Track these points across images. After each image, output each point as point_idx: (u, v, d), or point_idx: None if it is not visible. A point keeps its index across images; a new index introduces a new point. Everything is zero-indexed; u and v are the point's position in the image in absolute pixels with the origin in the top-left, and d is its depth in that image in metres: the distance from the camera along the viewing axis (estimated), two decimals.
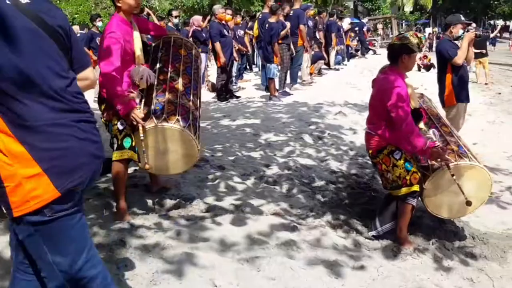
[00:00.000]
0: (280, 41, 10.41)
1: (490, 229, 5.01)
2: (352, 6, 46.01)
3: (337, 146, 7.17)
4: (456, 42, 6.47)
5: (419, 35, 4.34)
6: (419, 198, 4.28)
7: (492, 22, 56.53)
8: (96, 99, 4.99)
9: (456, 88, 6.37)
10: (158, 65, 4.47)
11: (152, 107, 4.15)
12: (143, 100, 4.20)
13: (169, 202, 4.49)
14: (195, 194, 4.70)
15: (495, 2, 52.40)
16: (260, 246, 3.77)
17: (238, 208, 4.52)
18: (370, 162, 6.48)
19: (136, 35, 4.19)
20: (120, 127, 4.01)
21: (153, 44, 4.73)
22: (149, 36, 5.09)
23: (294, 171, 5.87)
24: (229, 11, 10.64)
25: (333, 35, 15.09)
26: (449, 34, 6.57)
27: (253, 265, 3.46)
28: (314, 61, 13.51)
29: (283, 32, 10.52)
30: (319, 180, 5.71)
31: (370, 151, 4.40)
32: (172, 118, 4.05)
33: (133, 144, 4.02)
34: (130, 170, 5.08)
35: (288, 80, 11.63)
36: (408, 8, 47.66)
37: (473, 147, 4.92)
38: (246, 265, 3.45)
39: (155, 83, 4.29)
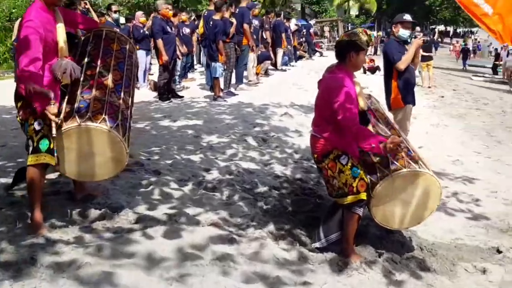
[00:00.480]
0: (227, 40, 10.05)
1: (438, 238, 4.81)
2: (299, 8, 46.12)
3: (282, 149, 6.86)
4: (404, 45, 6.30)
5: (368, 32, 4.06)
6: (366, 207, 4.01)
7: (433, 27, 58.13)
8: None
9: (402, 91, 6.19)
10: (86, 59, 4.03)
11: (76, 104, 3.70)
12: (66, 97, 3.75)
13: (93, 212, 4.02)
14: (124, 203, 4.27)
15: (437, 8, 53.87)
16: (193, 262, 3.40)
17: (172, 218, 4.12)
18: (315, 166, 6.26)
19: (60, 25, 3.75)
20: (37, 128, 3.56)
21: (83, 38, 4.29)
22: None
23: (236, 175, 5.53)
24: (169, 7, 10.11)
25: (282, 35, 14.84)
26: (393, 34, 6.43)
27: (183, 284, 3.08)
28: (260, 61, 13.20)
29: (231, 30, 10.17)
30: (262, 185, 5.38)
31: (315, 156, 4.09)
32: (98, 117, 3.63)
33: (52, 146, 3.56)
34: (53, 175, 4.62)
35: (233, 80, 11.29)
36: (353, 11, 48.26)
37: (419, 151, 4.75)
38: (175, 285, 3.07)
39: (81, 78, 3.86)
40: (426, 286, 3.67)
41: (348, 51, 3.91)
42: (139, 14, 12.21)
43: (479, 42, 46.57)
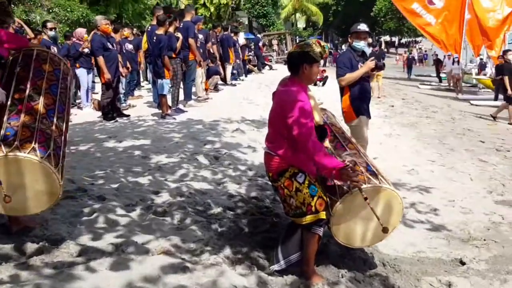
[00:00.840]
0: (174, 55, 9.73)
1: (400, 253, 4.68)
2: (246, 22, 46.21)
3: (235, 166, 6.60)
4: (362, 56, 6.22)
5: (322, 43, 3.85)
6: (327, 227, 3.80)
7: (378, 37, 59.42)
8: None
9: (353, 103, 6.06)
10: (14, 82, 3.68)
11: (2, 132, 3.34)
12: None
13: (30, 246, 3.60)
14: (65, 234, 3.89)
15: (382, 19, 55.15)
16: None
17: (118, 248, 3.78)
18: (269, 184, 6.03)
19: None
20: None
21: (11, 58, 3.94)
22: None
23: (187, 197, 5.22)
24: (109, 22, 9.63)
25: (230, 49, 14.63)
26: (350, 45, 6.31)
27: None
28: (208, 76, 12.95)
29: (178, 45, 9.87)
30: (216, 206, 5.09)
31: (271, 174, 3.85)
32: (27, 146, 3.28)
33: None
34: None
35: (181, 97, 10.97)
36: (301, 24, 48.85)
37: (376, 163, 4.62)
38: None
39: (8, 103, 3.51)
40: None
41: (301, 63, 3.70)
42: (79, 31, 11.75)
43: (425, 51, 47.75)
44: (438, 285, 3.94)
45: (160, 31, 9.29)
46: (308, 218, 3.63)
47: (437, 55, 31.69)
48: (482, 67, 24.35)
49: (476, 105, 17.45)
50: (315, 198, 3.62)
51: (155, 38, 9.30)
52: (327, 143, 4.02)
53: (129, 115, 10.03)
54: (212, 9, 21.04)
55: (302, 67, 3.69)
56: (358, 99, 6.07)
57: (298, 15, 46.98)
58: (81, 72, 11.16)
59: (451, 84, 23.26)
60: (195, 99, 11.66)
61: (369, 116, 6.26)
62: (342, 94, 6.17)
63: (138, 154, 6.76)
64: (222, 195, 5.50)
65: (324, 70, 19.01)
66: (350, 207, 3.70)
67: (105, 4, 24.23)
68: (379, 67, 6.26)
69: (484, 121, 13.23)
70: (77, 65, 11.07)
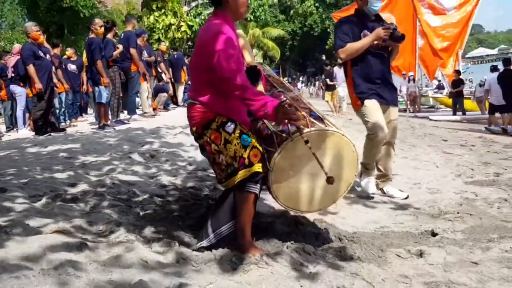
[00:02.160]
0: (110, 63, 8.97)
1: (360, 229, 3.91)
2: None
3: (173, 162, 5.81)
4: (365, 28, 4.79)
5: None
6: (266, 187, 3.06)
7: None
8: None
9: (359, 84, 4.77)
10: None
11: None
12: None
13: None
14: None
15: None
16: (13, 274, 2.26)
17: (1, 229, 2.93)
18: (212, 175, 5.24)
19: None
20: None
21: None
22: None
23: (109, 188, 4.41)
24: (38, 28, 8.80)
25: (183, 69, 13.91)
26: (358, 6, 4.90)
27: None
28: (154, 94, 12.15)
29: (115, 53, 9.13)
30: (143, 194, 4.29)
31: (194, 128, 3.09)
32: None
33: None
34: None
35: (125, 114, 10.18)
36: (258, 59, 48.88)
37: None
38: None
39: None
40: (350, 276, 2.70)
41: None
42: (18, 46, 10.89)
43: None
44: (406, 255, 3.18)
45: (92, 35, 8.55)
46: (241, 174, 2.89)
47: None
48: (440, 88, 24.34)
49: (435, 120, 17.12)
50: (248, 149, 2.89)
51: (88, 43, 8.54)
52: (260, 87, 3.31)
53: (64, 130, 9.13)
54: (167, 43, 20.48)
55: None
56: (364, 79, 4.77)
57: (255, 50, 46.94)
58: (22, 92, 10.16)
59: (409, 105, 23.05)
60: (140, 114, 10.83)
61: (384, 101, 4.82)
62: (346, 77, 5.06)
63: (62, 155, 5.90)
64: (153, 186, 4.70)
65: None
66: (292, 159, 2.98)
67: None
68: (396, 37, 4.64)
69: (444, 129, 12.78)
70: (21, 83, 10.09)
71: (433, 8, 21.37)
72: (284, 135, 2.99)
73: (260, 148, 2.94)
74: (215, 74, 2.87)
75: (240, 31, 3.29)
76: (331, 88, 17.58)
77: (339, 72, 16.55)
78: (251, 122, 3.18)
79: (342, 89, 16.34)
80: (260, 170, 2.88)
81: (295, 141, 2.93)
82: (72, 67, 11.78)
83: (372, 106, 4.70)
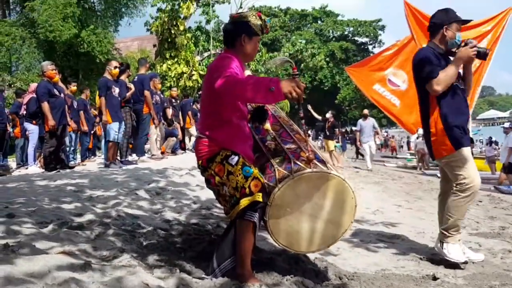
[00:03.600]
0: (123, 104, 9.18)
1: (361, 270, 3.92)
2: None
3: (178, 199, 5.87)
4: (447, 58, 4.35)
5: (262, 17, 3.34)
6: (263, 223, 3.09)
7: (344, 129, 60.16)
8: None
9: (451, 122, 4.13)
10: None
11: None
12: None
13: None
14: None
15: (346, 108, 56.25)
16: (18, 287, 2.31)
17: (7, 247, 2.99)
18: (216, 213, 5.31)
19: None
20: None
21: None
22: None
23: (114, 219, 4.46)
24: (54, 67, 9.04)
25: (188, 115, 14.14)
26: (437, 42, 4.36)
27: None
28: (164, 138, 12.30)
29: (128, 94, 9.36)
30: (147, 226, 4.34)
31: (200, 162, 3.19)
32: None
33: None
34: None
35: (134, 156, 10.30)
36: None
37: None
38: None
39: None
40: None
41: (239, 35, 3.19)
42: (34, 85, 11.15)
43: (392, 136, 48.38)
44: None
45: (106, 74, 8.79)
46: (242, 203, 2.95)
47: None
48: None
49: None
50: (249, 180, 2.97)
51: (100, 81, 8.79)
52: (268, 125, 3.40)
53: (73, 167, 9.25)
54: (178, 91, 20.89)
55: (240, 39, 3.19)
56: (456, 117, 4.15)
57: None
58: (34, 129, 10.41)
59: (419, 157, 22.85)
60: (149, 156, 10.94)
61: (469, 144, 4.29)
62: (426, 114, 4.30)
63: (70, 189, 5.97)
64: (157, 220, 4.75)
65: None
66: (291, 197, 3.03)
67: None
68: (483, 54, 4.15)
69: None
70: (34, 121, 10.35)
71: None
72: (286, 172, 3.06)
73: (262, 179, 3.01)
74: (220, 98, 2.97)
75: (248, 72, 3.43)
76: (329, 137, 17.54)
77: (365, 126, 16.58)
78: (256, 158, 3.28)
79: (367, 145, 16.31)
80: (260, 199, 2.94)
81: (295, 180, 2.99)
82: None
83: (468, 153, 4.16)
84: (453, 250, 4.09)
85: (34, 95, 10.44)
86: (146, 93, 10.09)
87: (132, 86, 9.72)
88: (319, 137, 30.39)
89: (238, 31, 3.20)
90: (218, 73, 2.88)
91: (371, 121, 16.98)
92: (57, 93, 8.79)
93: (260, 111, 3.39)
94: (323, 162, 3.22)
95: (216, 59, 3.23)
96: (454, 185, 4.12)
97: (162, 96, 12.50)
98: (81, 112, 11.99)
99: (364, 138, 16.47)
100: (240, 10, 28.77)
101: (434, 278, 3.67)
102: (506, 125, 14.18)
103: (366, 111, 17.63)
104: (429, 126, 4.23)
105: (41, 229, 3.82)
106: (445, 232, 4.15)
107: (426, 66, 4.15)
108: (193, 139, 14.38)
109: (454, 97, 4.19)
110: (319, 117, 17.79)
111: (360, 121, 17.14)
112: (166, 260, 3.33)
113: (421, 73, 4.20)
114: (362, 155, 19.58)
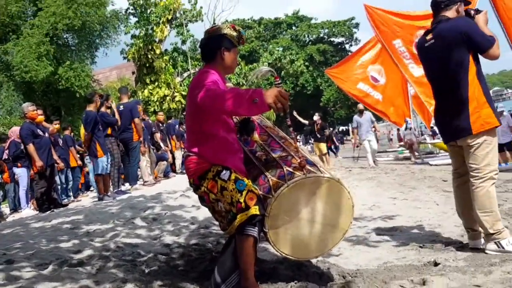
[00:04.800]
0: (110, 132, 9.20)
1: (364, 266, 3.96)
2: None
3: (176, 222, 5.87)
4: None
5: (237, 27, 3.37)
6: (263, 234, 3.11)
7: (330, 129, 60.17)
8: None
9: (488, 97, 3.95)
10: None
11: None
12: None
13: None
14: None
15: (332, 109, 56.44)
16: None
17: None
18: (215, 231, 5.32)
19: None
20: None
21: None
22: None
23: (114, 251, 4.46)
24: (35, 108, 9.04)
25: (172, 137, 14.12)
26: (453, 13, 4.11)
27: None
28: (155, 163, 12.30)
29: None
30: (147, 254, 4.35)
31: (192, 180, 3.21)
32: None
33: None
34: None
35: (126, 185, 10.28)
36: None
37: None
38: None
39: None
40: None
41: (217, 48, 3.22)
42: (15, 129, 11.13)
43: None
44: (410, 285, 3.22)
45: (90, 108, 8.80)
46: (239, 218, 2.97)
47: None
48: (435, 134, 24.50)
49: (436, 164, 17.15)
50: (244, 193, 2.99)
51: (84, 114, 8.79)
52: (256, 136, 3.43)
53: (67, 205, 9.22)
54: (164, 116, 20.92)
55: (219, 53, 3.22)
56: (488, 93, 4.00)
57: None
58: (20, 172, 10.35)
59: (407, 147, 22.88)
60: (141, 184, 10.92)
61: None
62: (462, 87, 3.91)
63: (66, 227, 5.96)
64: (157, 246, 4.76)
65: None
66: (288, 205, 3.05)
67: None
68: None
69: (445, 171, 12.83)
70: (19, 164, 10.29)
71: (415, 58, 21.82)
72: (280, 180, 3.08)
73: (256, 191, 3.04)
74: (204, 114, 2.99)
75: (230, 84, 3.47)
76: (320, 140, 17.35)
77: (362, 121, 15.69)
78: (248, 170, 3.29)
79: (366, 141, 15.47)
80: (257, 212, 2.95)
81: (290, 188, 3.01)
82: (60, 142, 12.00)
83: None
84: (506, 243, 3.84)
85: (13, 139, 10.48)
86: (137, 120, 10.08)
87: (117, 116, 9.69)
88: (310, 142, 30.41)
89: (216, 44, 3.23)
90: (199, 89, 2.90)
91: (367, 116, 16.06)
92: (41, 133, 8.79)
93: (246, 123, 3.40)
94: (315, 166, 3.24)
95: (196, 74, 3.25)
96: (475, 172, 3.88)
97: (148, 121, 12.53)
98: (72, 148, 11.99)
99: (363, 134, 15.57)
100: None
101: (436, 264, 3.71)
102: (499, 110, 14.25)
103: (361, 106, 16.74)
104: (468, 99, 3.86)
105: (41, 271, 3.81)
106: (493, 231, 3.86)
107: (478, 33, 3.87)
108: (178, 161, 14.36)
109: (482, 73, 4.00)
110: (306, 122, 17.52)
111: (356, 117, 16.20)
112: (169, 284, 3.35)
113: (476, 42, 3.84)
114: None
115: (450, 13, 4.07)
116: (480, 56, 3.95)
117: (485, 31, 3.89)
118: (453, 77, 3.94)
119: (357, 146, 18.12)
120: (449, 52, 3.93)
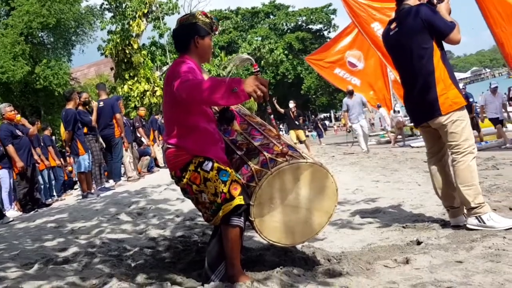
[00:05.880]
0: (85, 130, 9.13)
1: (348, 249, 4.01)
2: None
3: (161, 216, 5.88)
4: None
5: (209, 14, 3.32)
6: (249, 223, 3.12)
7: (313, 116, 60.33)
8: None
9: (453, 79, 4.09)
10: None
11: None
12: None
13: None
14: None
15: (313, 96, 56.53)
16: None
17: None
18: (200, 222, 5.33)
19: None
20: None
21: None
22: None
23: (99, 247, 4.45)
24: (12, 108, 8.93)
25: (153, 131, 14.06)
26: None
27: None
28: (138, 158, 12.27)
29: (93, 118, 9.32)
30: (133, 248, 4.35)
31: (173, 172, 3.18)
32: None
33: None
34: None
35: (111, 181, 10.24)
36: None
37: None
38: None
39: None
40: None
41: (191, 37, 3.15)
42: None
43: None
44: (394, 264, 3.28)
45: (69, 106, 8.74)
46: (224, 209, 2.96)
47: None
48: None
49: (417, 146, 17.29)
50: (228, 184, 2.96)
51: (63, 113, 8.71)
52: (236, 125, 3.42)
53: (50, 204, 9.17)
54: (145, 111, 20.79)
55: (194, 41, 3.15)
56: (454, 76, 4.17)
57: None
58: (3, 173, 10.20)
59: (396, 130, 22.51)
60: (125, 179, 10.89)
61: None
62: (428, 71, 4.02)
63: (50, 226, 5.94)
64: (143, 240, 4.76)
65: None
66: (273, 192, 3.04)
67: None
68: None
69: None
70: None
71: None
72: (263, 169, 3.09)
73: (240, 181, 3.03)
74: (181, 105, 2.95)
75: (206, 76, 3.45)
76: (298, 127, 16.88)
77: (353, 103, 14.85)
78: (230, 160, 3.29)
79: (358, 125, 14.77)
80: (242, 202, 2.94)
81: (274, 175, 3.01)
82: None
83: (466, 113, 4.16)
84: (497, 218, 3.90)
85: None
86: (118, 116, 10.06)
87: (94, 116, 9.60)
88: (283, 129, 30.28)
89: (189, 33, 3.17)
90: (176, 79, 2.84)
91: (358, 98, 15.07)
92: (20, 133, 8.71)
93: (225, 112, 3.39)
94: (297, 152, 3.26)
95: (171, 65, 3.21)
96: (456, 148, 3.98)
97: (126, 118, 12.48)
98: (50, 147, 11.89)
99: (353, 117, 14.78)
100: None
101: (418, 243, 3.77)
102: (493, 86, 14.24)
103: (350, 88, 15.80)
104: (435, 82, 3.99)
105: (27, 271, 3.80)
106: (474, 206, 3.92)
107: (439, 19, 4.00)
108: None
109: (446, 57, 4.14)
110: (282, 110, 17.18)
111: (346, 99, 15.28)
112: (156, 276, 3.35)
113: (437, 27, 3.98)
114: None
115: (412, 1, 4.18)
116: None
117: (446, 18, 4.01)
118: (419, 62, 4.07)
119: (349, 131, 17.71)
120: (413, 39, 4.07)
